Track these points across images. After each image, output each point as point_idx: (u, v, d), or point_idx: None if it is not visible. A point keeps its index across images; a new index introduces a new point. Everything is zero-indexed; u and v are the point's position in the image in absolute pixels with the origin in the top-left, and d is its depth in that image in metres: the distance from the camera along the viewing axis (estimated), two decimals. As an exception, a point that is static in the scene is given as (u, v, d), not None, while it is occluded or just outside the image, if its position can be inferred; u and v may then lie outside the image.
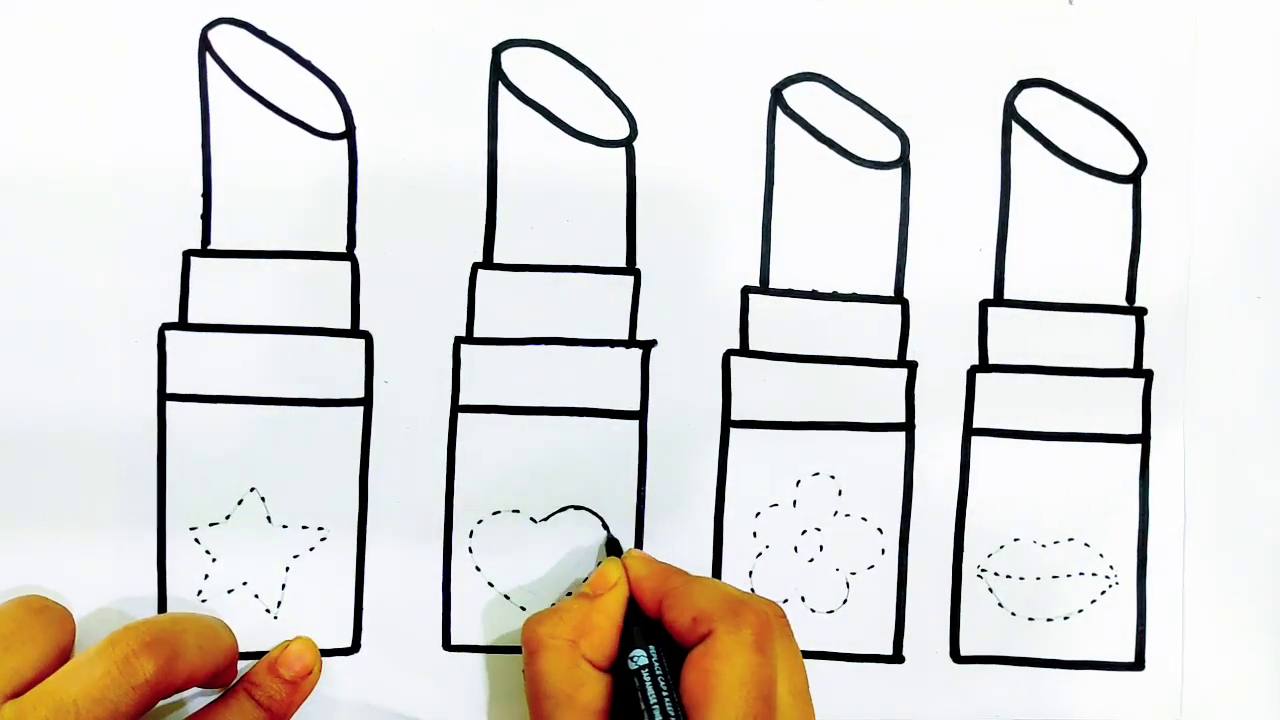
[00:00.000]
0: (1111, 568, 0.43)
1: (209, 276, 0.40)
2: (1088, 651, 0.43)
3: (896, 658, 0.43)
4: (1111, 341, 0.43)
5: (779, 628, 0.37)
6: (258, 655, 0.40)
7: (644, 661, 0.36)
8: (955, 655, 0.43)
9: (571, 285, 0.41)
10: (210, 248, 0.40)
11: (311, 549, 0.41)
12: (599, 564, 0.41)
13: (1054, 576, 0.43)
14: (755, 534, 0.42)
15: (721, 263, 0.42)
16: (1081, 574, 0.43)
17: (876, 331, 0.42)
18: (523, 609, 0.42)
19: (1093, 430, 0.43)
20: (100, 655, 0.34)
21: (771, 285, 0.42)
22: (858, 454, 0.42)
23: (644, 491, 0.42)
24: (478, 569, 0.41)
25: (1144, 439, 0.43)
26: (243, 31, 0.40)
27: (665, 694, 0.35)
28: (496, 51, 0.41)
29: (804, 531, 0.42)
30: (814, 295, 0.42)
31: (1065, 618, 0.43)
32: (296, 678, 0.39)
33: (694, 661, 0.35)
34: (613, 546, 0.41)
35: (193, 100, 0.40)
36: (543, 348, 0.41)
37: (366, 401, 0.41)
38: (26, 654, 0.35)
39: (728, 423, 0.42)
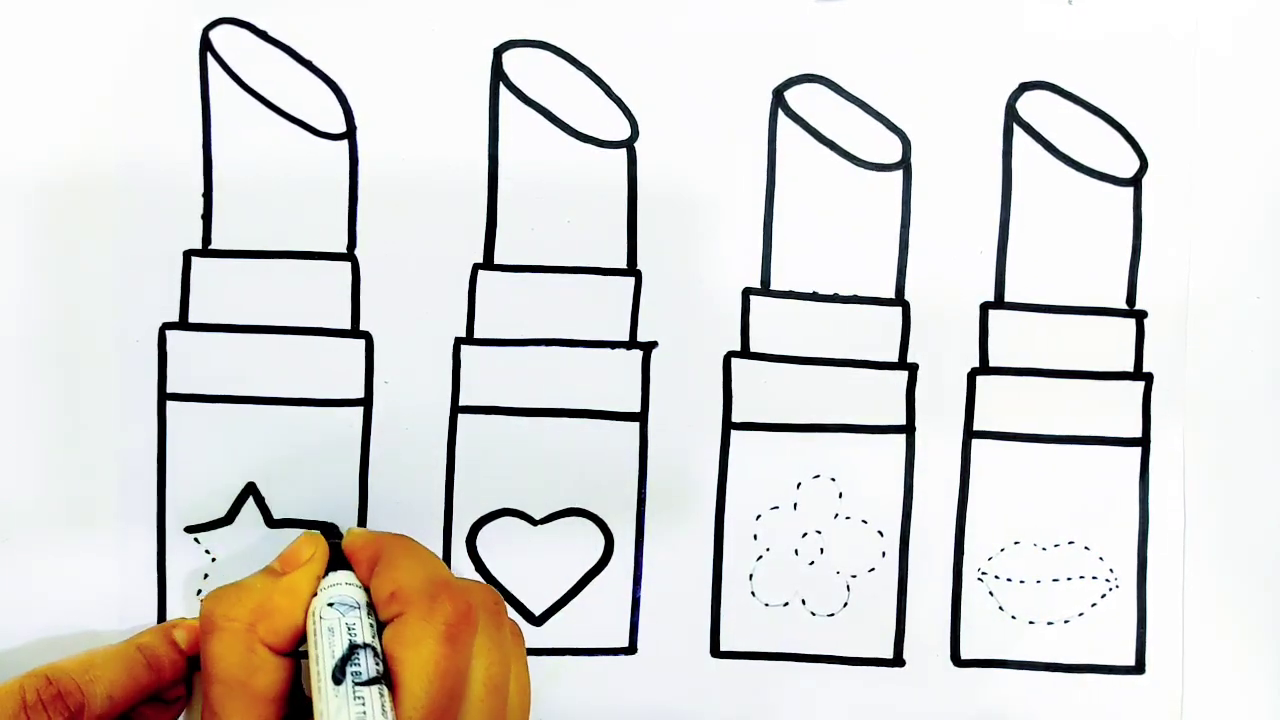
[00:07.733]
0: (1112, 571, 0.43)
1: (209, 276, 0.40)
2: (1088, 655, 0.43)
3: (897, 661, 0.43)
4: (1112, 344, 0.43)
5: (486, 617, 0.35)
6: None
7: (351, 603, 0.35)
8: (956, 658, 0.43)
9: (572, 286, 0.41)
10: (211, 248, 0.40)
11: (311, 549, 0.41)
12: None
13: (1054, 580, 0.43)
14: (755, 536, 0.42)
15: (722, 264, 0.42)
16: (1082, 577, 0.43)
17: (877, 334, 0.42)
18: (524, 610, 0.42)
19: (1093, 433, 0.43)
20: (9, 696, 0.34)
21: (772, 287, 0.42)
22: (858, 456, 0.42)
23: (644, 493, 0.42)
24: (477, 569, 0.41)
25: (1144, 442, 0.43)
26: (244, 32, 0.40)
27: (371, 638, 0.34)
28: (497, 52, 0.41)
29: (804, 534, 0.42)
30: (815, 297, 0.42)
31: (1066, 621, 0.43)
32: (189, 650, 0.38)
33: (384, 646, 0.34)
34: (329, 533, 0.38)
35: (194, 100, 0.40)
36: (543, 349, 0.41)
37: (366, 401, 0.41)
38: None
39: (728, 425, 0.42)
